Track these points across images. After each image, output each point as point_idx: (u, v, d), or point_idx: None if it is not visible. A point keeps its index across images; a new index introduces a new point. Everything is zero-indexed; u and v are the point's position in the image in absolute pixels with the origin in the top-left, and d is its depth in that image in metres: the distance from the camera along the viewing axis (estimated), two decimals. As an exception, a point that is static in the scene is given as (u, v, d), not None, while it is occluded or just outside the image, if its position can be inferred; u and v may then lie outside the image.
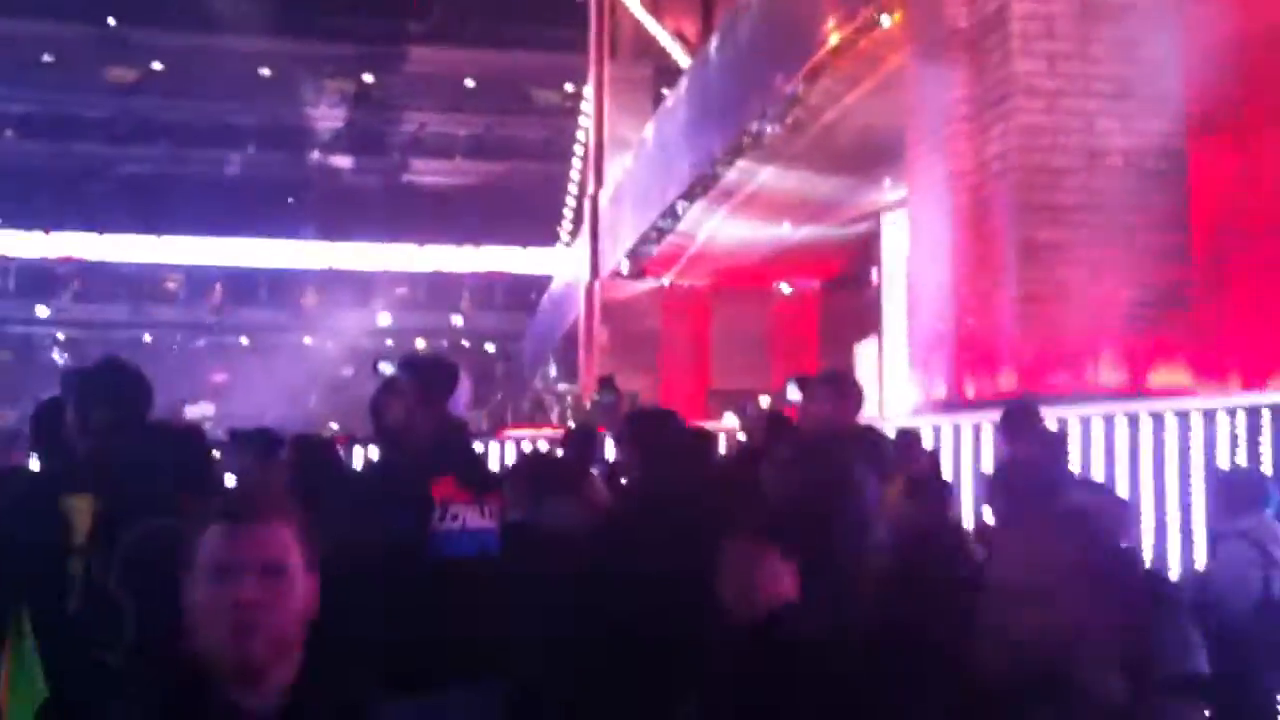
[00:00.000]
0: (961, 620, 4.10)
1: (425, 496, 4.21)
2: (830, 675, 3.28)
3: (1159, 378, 9.06)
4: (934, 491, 5.81)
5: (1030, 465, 5.86)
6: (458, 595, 4.12)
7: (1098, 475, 7.30)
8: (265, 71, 50.91)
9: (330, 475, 5.60)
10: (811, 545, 3.62)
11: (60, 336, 48.24)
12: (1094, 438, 7.57)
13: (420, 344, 39.47)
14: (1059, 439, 6.94)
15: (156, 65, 50.73)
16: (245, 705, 1.98)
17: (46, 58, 49.55)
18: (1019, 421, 6.48)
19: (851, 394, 5.60)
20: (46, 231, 47.93)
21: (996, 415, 8.06)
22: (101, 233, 48.22)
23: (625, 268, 24.44)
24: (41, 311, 47.65)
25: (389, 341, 38.62)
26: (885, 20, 12.39)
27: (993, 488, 5.38)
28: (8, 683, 3.32)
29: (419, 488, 4.20)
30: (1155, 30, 9.61)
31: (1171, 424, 7.24)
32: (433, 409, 4.48)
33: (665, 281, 24.46)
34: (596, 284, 25.65)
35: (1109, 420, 7.56)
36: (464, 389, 4.64)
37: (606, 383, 10.77)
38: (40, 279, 48.16)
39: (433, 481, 4.30)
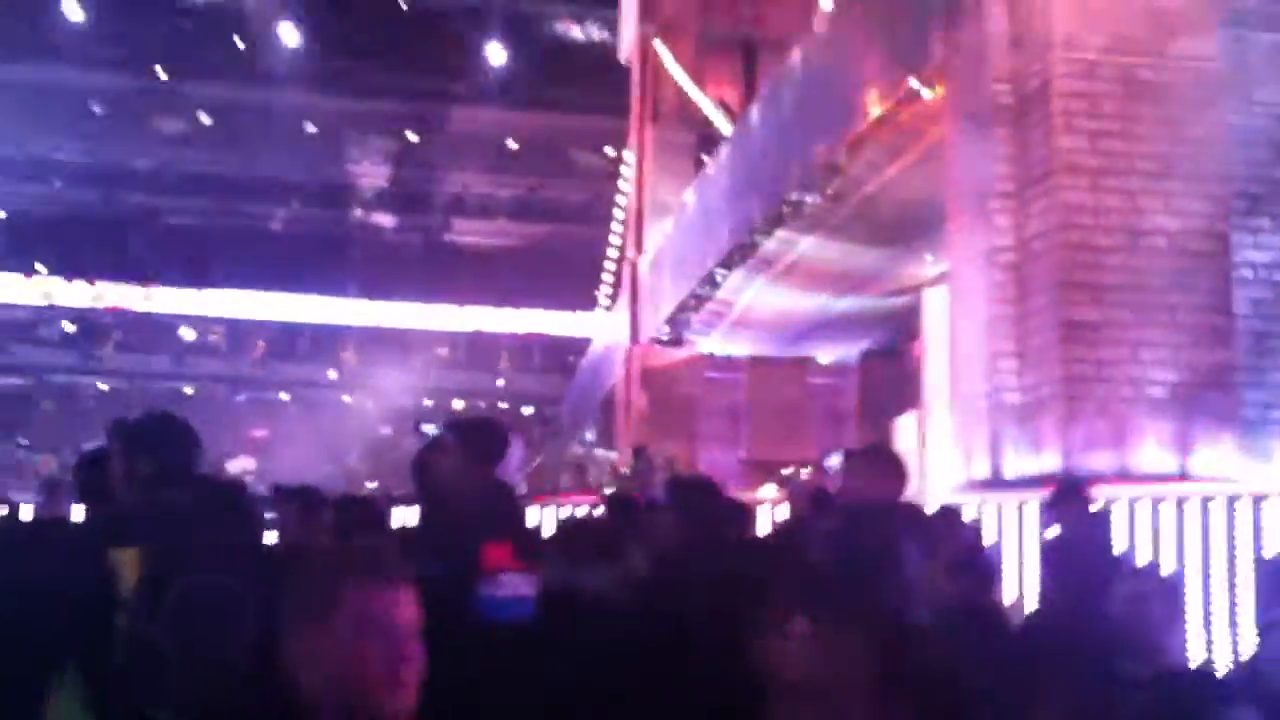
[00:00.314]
0: (997, 698, 4.06)
1: (471, 559, 4.16)
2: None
3: (1201, 462, 8.96)
4: (977, 570, 5.76)
5: (1079, 547, 5.82)
6: (499, 662, 4.08)
7: (1143, 560, 7.21)
8: (311, 128, 51.50)
9: (378, 530, 5.59)
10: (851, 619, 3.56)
11: (103, 387, 48.63)
12: (1138, 521, 7.48)
13: (458, 405, 39.56)
14: (1105, 518, 6.87)
15: (204, 118, 51.41)
16: None
17: (95, 108, 50.32)
18: (1068, 498, 6.41)
19: (895, 469, 5.55)
20: (92, 282, 48.45)
21: (1038, 495, 8.01)
22: (146, 284, 48.70)
23: (664, 334, 24.45)
24: (84, 361, 48.07)
25: (427, 401, 38.71)
26: (927, 93, 12.43)
27: (1043, 566, 5.34)
28: None
29: (465, 550, 4.15)
30: (1199, 109, 9.60)
31: (1218, 509, 7.16)
32: (483, 471, 4.45)
33: (704, 349, 24.44)
34: (635, 349, 25.65)
35: (1155, 503, 7.48)
36: (515, 452, 4.59)
37: (640, 453, 10.78)
38: (85, 329, 48.64)
39: (484, 545, 4.26)
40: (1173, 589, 4.30)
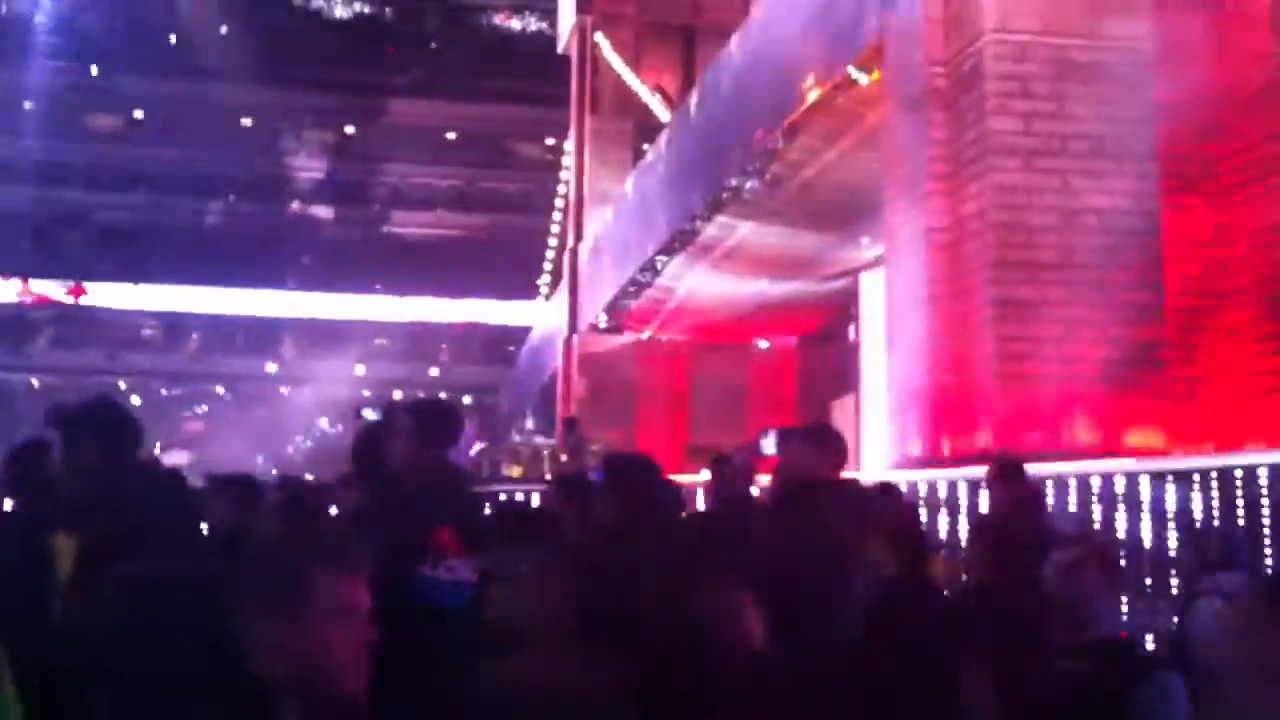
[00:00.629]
0: (934, 670, 4.10)
1: (417, 539, 4.13)
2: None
3: (1133, 437, 9.09)
4: (912, 545, 5.80)
5: (1015, 522, 5.87)
6: (437, 645, 4.07)
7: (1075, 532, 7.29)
8: (247, 121, 51.01)
9: (320, 518, 5.53)
10: (788, 594, 3.59)
11: (35, 383, 47.95)
12: (1070, 497, 7.57)
13: (397, 395, 39.35)
14: (1040, 493, 6.94)
15: (138, 113, 50.81)
16: None
17: (28, 104, 49.57)
18: (1004, 474, 6.47)
19: (833, 446, 5.56)
20: (24, 278, 47.76)
21: (972, 472, 8.09)
22: (80, 280, 48.08)
23: (604, 321, 24.46)
24: (16, 358, 47.38)
25: (366, 392, 38.47)
26: (863, 78, 12.51)
27: (978, 540, 5.38)
28: None
29: (413, 531, 4.12)
30: (1130, 89, 9.72)
31: (1147, 483, 7.26)
32: (434, 452, 4.41)
33: (644, 335, 24.47)
34: (575, 337, 25.65)
35: (1083, 480, 7.57)
36: (468, 434, 4.58)
37: (570, 424, 10.74)
38: (15, 325, 47.94)
39: (430, 527, 4.23)
40: (1106, 558, 4.34)
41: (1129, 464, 7.76)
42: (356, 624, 2.15)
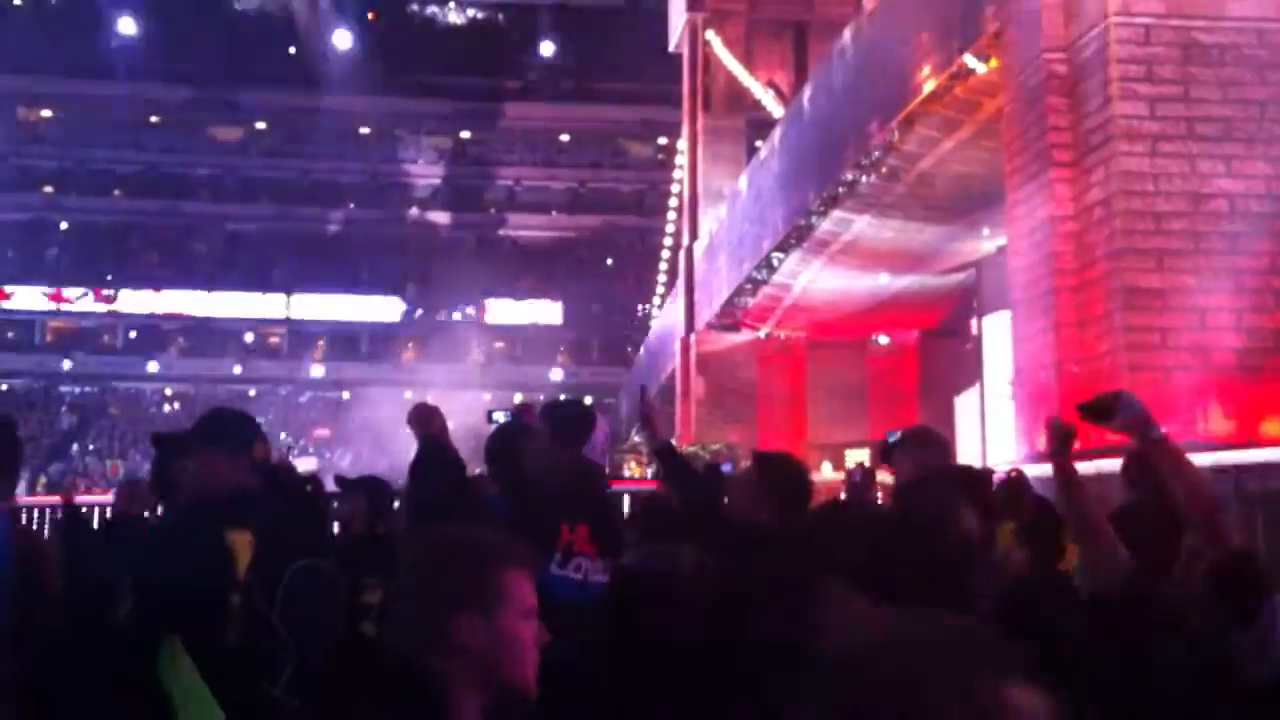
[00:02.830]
0: (1072, 666, 4.01)
1: (548, 535, 4.16)
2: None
3: (1269, 426, 8.84)
4: (1045, 535, 5.71)
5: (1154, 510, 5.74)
6: (567, 641, 4.09)
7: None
8: (365, 130, 51.92)
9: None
10: (906, 586, 3.54)
11: (168, 392, 49.28)
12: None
13: (517, 398, 39.71)
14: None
15: (260, 125, 51.97)
16: None
17: (153, 119, 50.99)
18: (1142, 467, 6.31)
19: (935, 445, 5.49)
20: (156, 289, 49.11)
21: (1103, 465, 7.92)
22: (208, 290, 49.32)
23: (721, 320, 24.43)
24: (150, 367, 48.72)
25: (486, 396, 38.89)
26: (980, 67, 12.34)
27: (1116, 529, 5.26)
28: (182, 712, 3.37)
29: (549, 530, 4.16)
30: (1257, 71, 9.46)
31: (1285, 473, 7.06)
32: (570, 452, 4.46)
33: (761, 333, 24.39)
34: (692, 336, 25.65)
35: (1219, 470, 7.38)
36: (600, 433, 4.60)
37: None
38: (149, 336, 49.30)
39: (564, 525, 4.26)
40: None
41: (1267, 454, 7.55)
42: (532, 620, 2.23)
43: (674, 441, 5.11)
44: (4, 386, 48.19)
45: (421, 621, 2.18)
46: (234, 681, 3.37)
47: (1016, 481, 6.52)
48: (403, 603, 2.24)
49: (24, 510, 13.19)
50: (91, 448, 44.56)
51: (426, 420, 4.74)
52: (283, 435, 40.79)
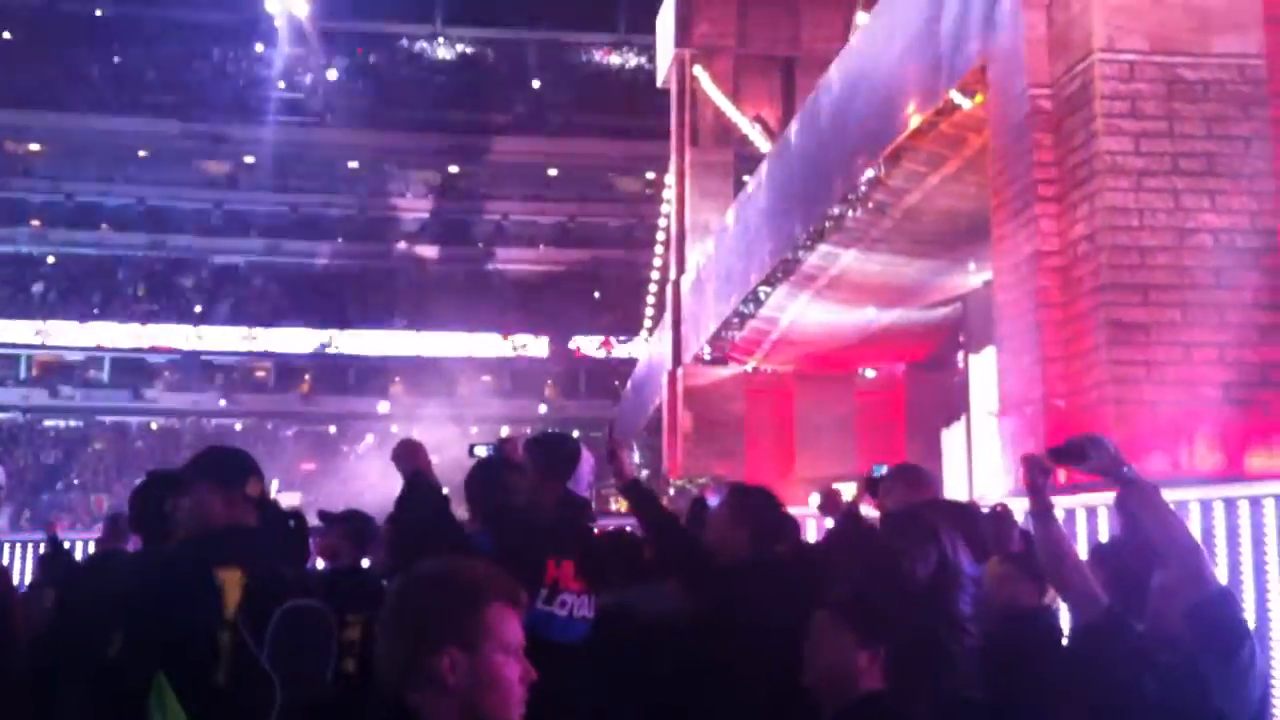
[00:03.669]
0: (1054, 699, 4.00)
1: (533, 571, 4.13)
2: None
3: (1256, 461, 8.83)
4: (1032, 569, 5.70)
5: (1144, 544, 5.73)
6: (553, 677, 4.05)
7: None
8: (353, 164, 52.00)
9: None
10: (901, 617, 3.53)
11: (153, 426, 49.11)
12: (1192, 522, 7.36)
13: (504, 431, 39.64)
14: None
15: (248, 159, 52.04)
16: None
17: (141, 153, 51.01)
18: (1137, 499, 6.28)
19: (925, 482, 5.49)
20: (142, 323, 49.02)
21: (1088, 499, 7.92)
22: (196, 324, 49.26)
23: (708, 353, 24.44)
24: (134, 401, 48.56)
25: (474, 429, 38.83)
26: (966, 102, 12.40)
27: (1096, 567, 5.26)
28: None
29: (533, 565, 4.12)
30: (1242, 107, 9.52)
31: (1271, 509, 7.04)
32: (555, 485, 4.43)
33: (749, 367, 24.41)
34: (679, 370, 25.66)
35: (1206, 505, 7.36)
36: (586, 467, 4.56)
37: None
38: (134, 369, 49.16)
39: (549, 560, 4.23)
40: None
41: (1253, 488, 7.53)
42: (520, 656, 2.19)
43: (640, 477, 5.08)
44: (-12, 420, 48.00)
45: (403, 657, 2.15)
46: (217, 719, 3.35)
47: (1002, 516, 6.52)
48: (385, 638, 2.21)
49: (7, 544, 13.10)
50: (76, 482, 44.34)
51: (410, 456, 4.72)
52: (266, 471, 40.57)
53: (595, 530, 5.09)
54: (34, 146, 51.26)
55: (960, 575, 4.75)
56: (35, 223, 50.18)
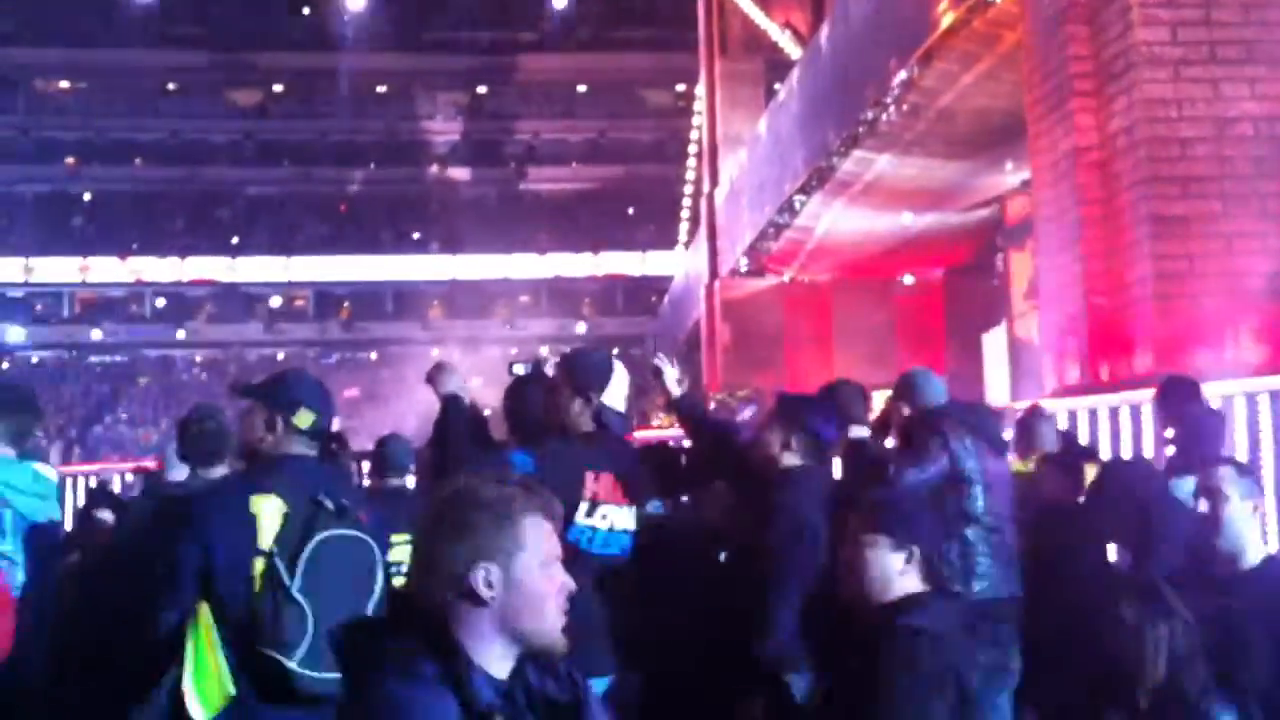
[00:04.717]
0: (1103, 593, 4.00)
1: (572, 485, 4.13)
2: (935, 672, 3.18)
3: (1302, 351, 8.73)
4: (1072, 467, 5.70)
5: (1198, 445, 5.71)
6: (596, 589, 4.07)
7: (1241, 455, 7.05)
8: (382, 89, 51.78)
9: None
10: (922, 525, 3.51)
11: (198, 358, 49.56)
12: (1237, 416, 7.30)
13: (544, 351, 39.81)
14: (1219, 415, 6.69)
15: (277, 88, 51.90)
16: (499, 675, 2.16)
17: (170, 86, 50.98)
18: (1181, 395, 6.25)
19: (928, 388, 5.48)
20: (181, 257, 49.29)
21: (1133, 396, 7.87)
22: (233, 255, 49.49)
23: (744, 265, 24.34)
24: (179, 335, 48.99)
25: (513, 350, 38.97)
26: (998, -2, 12.17)
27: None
28: (193, 676, 3.39)
29: (568, 478, 4.13)
30: (1282, -10, 9.29)
31: (1319, 398, 6.97)
32: (587, 401, 4.42)
33: (786, 277, 24.30)
34: (716, 283, 25.58)
35: (1251, 398, 7.30)
36: (621, 381, 4.54)
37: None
38: (176, 303, 49.53)
39: (587, 474, 4.23)
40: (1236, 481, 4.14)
41: (1300, 379, 7.44)
42: (557, 570, 2.19)
43: (683, 392, 5.06)
44: (35, 359, 48.54)
45: (439, 572, 2.16)
46: (253, 650, 3.38)
47: (1037, 416, 6.50)
48: (421, 554, 2.22)
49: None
50: (124, 417, 44.88)
51: (444, 378, 4.72)
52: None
53: (634, 444, 5.08)
54: (64, 84, 51.30)
55: (976, 474, 4.75)
56: (70, 160, 50.34)
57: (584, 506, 4.19)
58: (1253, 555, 3.92)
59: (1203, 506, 4.01)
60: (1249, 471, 4.28)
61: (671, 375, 5.01)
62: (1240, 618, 3.62)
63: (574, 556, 4.10)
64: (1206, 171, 9.08)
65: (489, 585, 2.13)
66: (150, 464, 9.55)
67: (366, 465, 6.88)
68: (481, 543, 2.15)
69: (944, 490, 4.69)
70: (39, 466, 4.73)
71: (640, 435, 9.84)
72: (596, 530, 4.22)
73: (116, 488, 11.14)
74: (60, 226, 49.41)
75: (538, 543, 2.18)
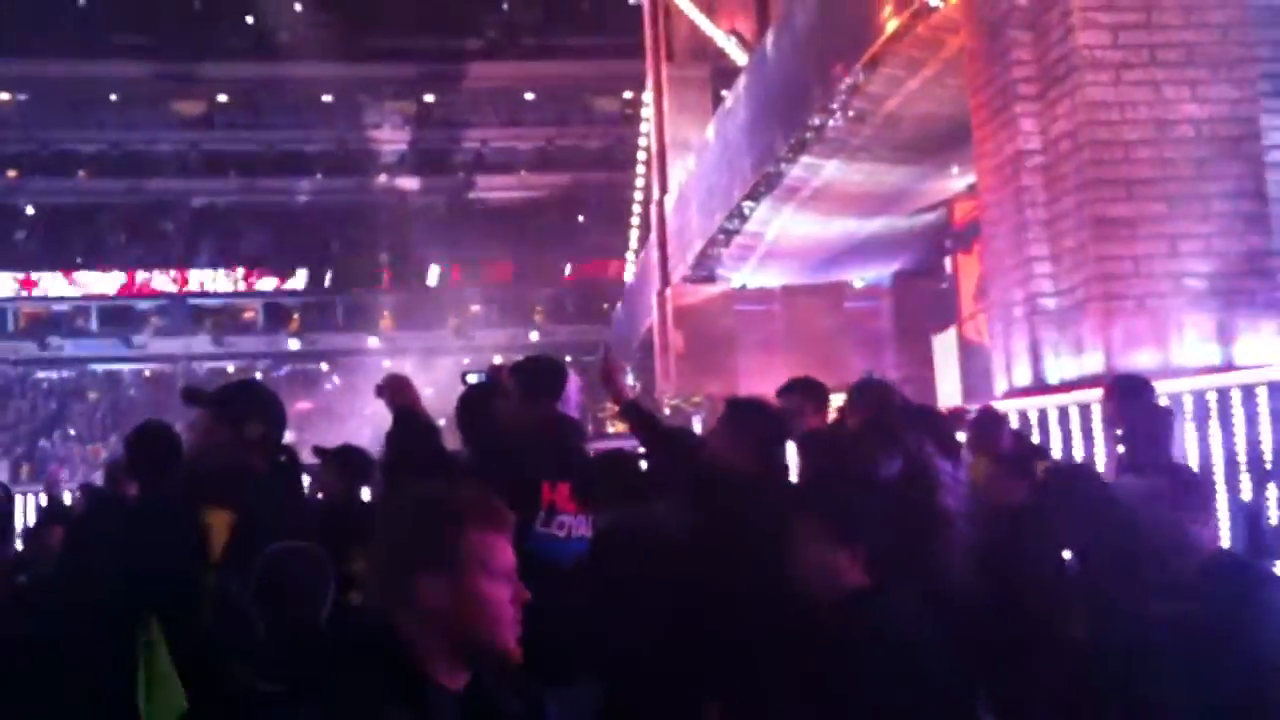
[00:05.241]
0: (1054, 596, 4.03)
1: (529, 494, 4.12)
2: (895, 671, 3.21)
3: (1244, 350, 8.86)
4: (1024, 468, 5.74)
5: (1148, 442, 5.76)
6: (554, 599, 4.06)
7: (1190, 451, 7.15)
8: (327, 98, 51.50)
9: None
10: (880, 521, 3.54)
11: (146, 373, 49.06)
12: (1184, 416, 7.40)
13: (497, 360, 39.80)
14: (1169, 413, 6.77)
15: (222, 97, 51.50)
16: (452, 687, 2.14)
17: (113, 97, 50.47)
18: (1131, 393, 6.32)
19: (882, 395, 5.54)
20: (126, 270, 48.79)
21: (1082, 397, 7.96)
22: (180, 268, 49.03)
23: (695, 271, 24.39)
24: (126, 349, 48.47)
25: (465, 360, 38.83)
26: (941, 3, 12.27)
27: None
28: (144, 690, 3.36)
29: (525, 488, 4.11)
30: (1220, -7, 9.43)
31: (1264, 396, 7.07)
32: (540, 408, 4.41)
33: (737, 283, 24.37)
34: (668, 290, 25.62)
35: (1199, 396, 7.40)
36: (573, 387, 4.54)
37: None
38: (122, 317, 49.01)
39: (545, 483, 4.22)
40: (1184, 483, 4.16)
41: (1244, 376, 7.56)
42: (507, 579, 2.17)
43: (636, 398, 5.05)
44: (-21, 374, 47.92)
45: (387, 583, 2.16)
46: (203, 663, 3.35)
47: (989, 417, 6.55)
48: (370, 565, 2.23)
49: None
50: (72, 433, 44.36)
51: (396, 390, 4.70)
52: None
53: (590, 451, 5.08)
54: (3, 95, 50.68)
55: (932, 472, 4.78)
56: (11, 173, 49.71)
57: (541, 515, 4.19)
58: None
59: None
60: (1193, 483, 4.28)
61: (624, 379, 5.01)
62: (1194, 620, 3.65)
63: (531, 565, 4.10)
64: (1149, 174, 9.20)
65: (436, 597, 2.12)
66: (98, 479, 9.45)
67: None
68: (427, 554, 2.14)
69: (901, 489, 4.72)
70: None
71: (598, 444, 9.85)
72: (555, 538, 4.22)
73: (68, 500, 10.99)
74: (3, 240, 48.79)
75: (486, 552, 2.16)
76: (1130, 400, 6.26)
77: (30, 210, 50.01)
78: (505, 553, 2.19)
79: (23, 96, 50.27)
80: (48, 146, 49.72)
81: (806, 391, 5.56)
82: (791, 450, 5.19)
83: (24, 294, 48.42)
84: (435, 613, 2.12)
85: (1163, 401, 7.15)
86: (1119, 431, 6.34)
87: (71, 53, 48.15)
